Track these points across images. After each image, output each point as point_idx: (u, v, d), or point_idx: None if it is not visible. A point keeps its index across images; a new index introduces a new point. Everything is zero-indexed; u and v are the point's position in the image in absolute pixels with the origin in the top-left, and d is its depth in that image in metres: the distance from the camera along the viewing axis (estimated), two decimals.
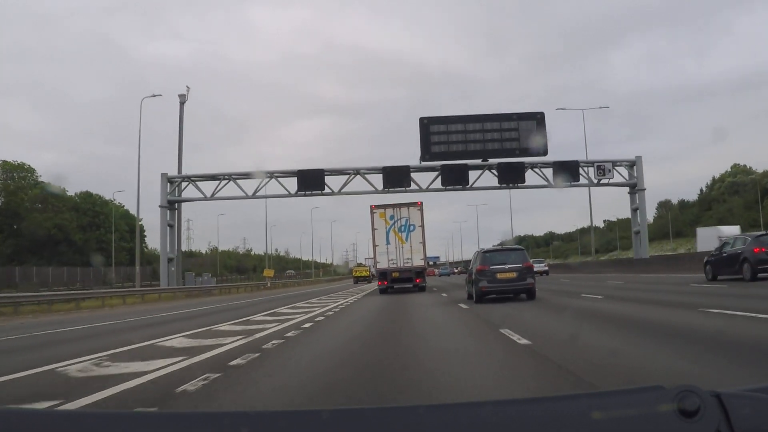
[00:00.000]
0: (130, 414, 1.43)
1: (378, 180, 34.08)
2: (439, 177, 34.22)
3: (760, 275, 18.21)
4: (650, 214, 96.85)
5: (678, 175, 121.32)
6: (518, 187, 35.61)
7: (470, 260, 19.57)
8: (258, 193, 33.88)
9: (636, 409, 0.85)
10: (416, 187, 34.93)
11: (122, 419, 0.93)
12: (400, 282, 26.25)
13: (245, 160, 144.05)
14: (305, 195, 33.97)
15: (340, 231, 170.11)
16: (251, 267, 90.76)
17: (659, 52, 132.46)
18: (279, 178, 34.22)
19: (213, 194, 33.43)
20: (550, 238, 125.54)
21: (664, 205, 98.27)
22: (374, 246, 26.67)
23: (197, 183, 34.45)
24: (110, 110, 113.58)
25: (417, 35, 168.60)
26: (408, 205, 26.38)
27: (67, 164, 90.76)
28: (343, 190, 34.24)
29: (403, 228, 27.11)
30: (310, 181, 34.13)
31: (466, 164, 34.28)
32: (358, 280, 57.41)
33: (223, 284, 45.86)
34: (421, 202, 26.37)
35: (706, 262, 22.25)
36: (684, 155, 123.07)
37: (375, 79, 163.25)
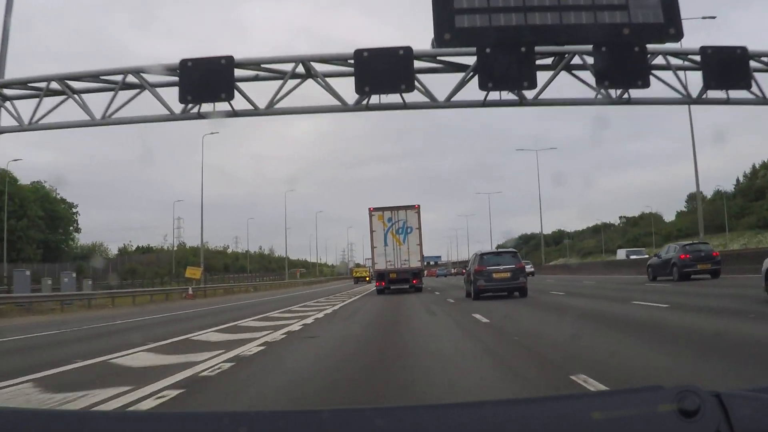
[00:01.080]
0: (130, 414, 1.40)
1: (347, 86, 17.54)
2: (474, 77, 17.77)
3: (693, 277, 22.89)
4: (679, 206, 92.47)
5: (679, 175, 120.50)
6: (632, 101, 17.96)
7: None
8: (113, 116, 17.51)
9: (636, 409, 0.86)
10: (425, 100, 17.29)
11: (122, 419, 0.93)
12: (397, 283, 28.53)
13: (244, 159, 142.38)
14: (199, 116, 17.21)
15: (338, 231, 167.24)
16: (221, 265, 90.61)
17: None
18: (157, 88, 17.35)
19: (33, 120, 17.24)
20: (560, 236, 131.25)
21: (695, 198, 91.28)
22: (372, 247, 28.95)
23: (13, 102, 17.70)
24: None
25: (414, 32, 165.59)
26: (406, 207, 28.77)
27: (66, 164, 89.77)
28: (276, 106, 17.06)
29: (400, 230, 28.59)
30: (208, 87, 17.20)
31: (533, 50, 17.78)
32: (358, 280, 55.84)
33: (81, 293, 29.63)
34: (419, 205, 29.21)
35: (648, 266, 26.92)
36: (684, 154, 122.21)
37: None
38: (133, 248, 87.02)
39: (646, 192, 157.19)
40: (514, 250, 22.86)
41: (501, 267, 18.83)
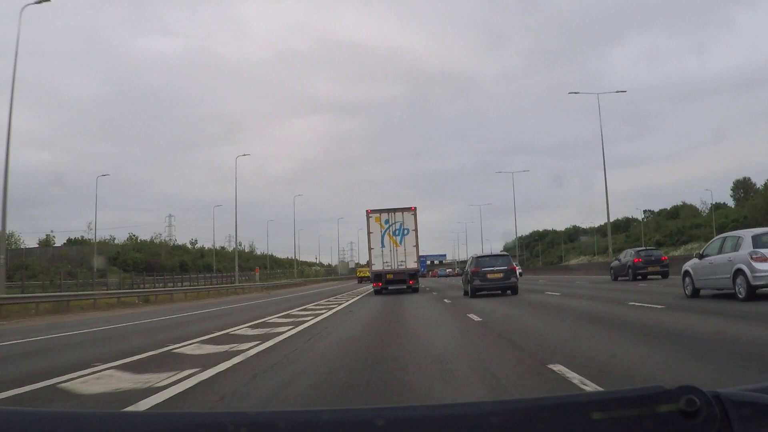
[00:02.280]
0: (130, 414, 1.40)
1: None
2: None
3: (643, 277, 28.12)
4: (720, 197, 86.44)
5: (680, 175, 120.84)
6: None
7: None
8: None
9: (636, 409, 0.86)
10: None
11: (122, 419, 0.93)
12: (394, 283, 28.78)
13: (242, 160, 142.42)
14: None
15: (341, 231, 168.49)
16: (176, 263, 74.16)
17: (659, 48, 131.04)
18: None
19: None
20: (575, 232, 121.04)
21: (743, 185, 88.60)
22: (370, 249, 28.97)
23: None
24: (103, 107, 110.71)
25: (413, 30, 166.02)
26: (402, 210, 28.93)
27: (64, 163, 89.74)
28: None
29: (397, 232, 28.62)
30: None
31: None
32: (362, 280, 56.37)
33: None
34: (415, 207, 29.19)
35: (611, 268, 31.78)
36: (685, 154, 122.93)
37: (371, 76, 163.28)
38: (57, 240, 72.76)
39: (647, 190, 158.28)
40: (506, 253, 26.33)
41: (494, 268, 21.42)
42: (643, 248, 32.79)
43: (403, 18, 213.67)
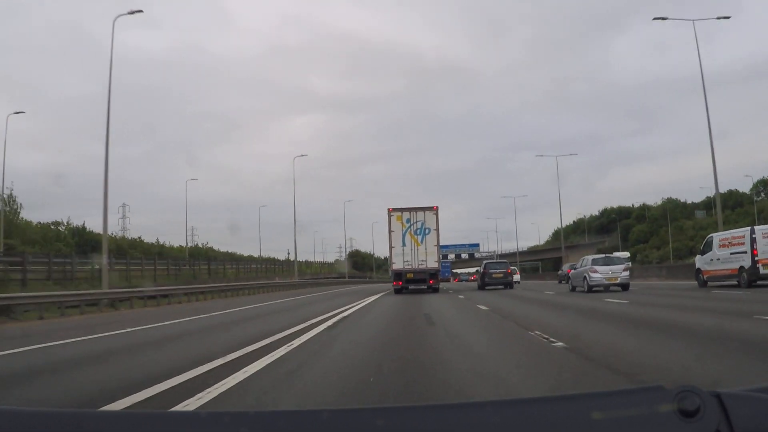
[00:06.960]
0: (131, 414, 1.41)
1: None
2: None
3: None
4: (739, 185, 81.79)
5: (689, 172, 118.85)
6: None
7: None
8: None
9: (636, 409, 0.86)
10: None
11: (122, 419, 0.93)
12: (414, 283, 29.08)
13: (238, 160, 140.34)
14: None
15: (339, 231, 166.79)
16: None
17: (665, 38, 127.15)
18: None
19: None
20: (673, 208, 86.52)
21: None
22: (390, 247, 29.28)
23: None
24: (93, 106, 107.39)
25: (412, 21, 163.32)
26: (424, 209, 29.16)
27: (61, 164, 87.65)
28: None
29: (418, 231, 28.82)
30: None
31: None
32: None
33: None
34: (437, 207, 29.38)
35: (559, 276, 51.43)
36: (693, 150, 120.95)
37: (370, 71, 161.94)
38: None
39: (656, 185, 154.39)
40: (505, 261, 39.13)
41: (497, 270, 33.17)
42: (573, 263, 46.26)
43: (401, 9, 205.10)
